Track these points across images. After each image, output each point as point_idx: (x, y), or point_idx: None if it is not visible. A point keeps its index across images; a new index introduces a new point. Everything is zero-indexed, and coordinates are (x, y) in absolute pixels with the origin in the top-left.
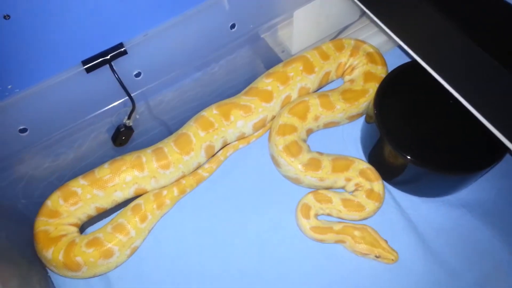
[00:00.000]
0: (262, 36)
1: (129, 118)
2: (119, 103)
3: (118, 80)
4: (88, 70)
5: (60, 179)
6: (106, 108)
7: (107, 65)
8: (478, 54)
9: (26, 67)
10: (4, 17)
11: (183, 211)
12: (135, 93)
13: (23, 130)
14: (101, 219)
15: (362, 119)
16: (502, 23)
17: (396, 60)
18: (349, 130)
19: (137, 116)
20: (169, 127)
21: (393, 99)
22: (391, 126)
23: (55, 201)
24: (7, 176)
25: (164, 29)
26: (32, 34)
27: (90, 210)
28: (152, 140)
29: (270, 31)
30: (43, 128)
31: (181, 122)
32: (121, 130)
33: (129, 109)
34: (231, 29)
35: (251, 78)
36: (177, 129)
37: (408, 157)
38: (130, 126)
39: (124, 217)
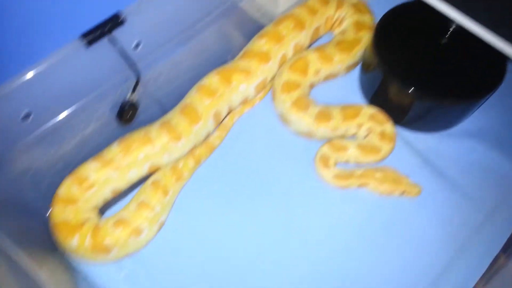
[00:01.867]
0: (240, 4)
1: (133, 92)
2: (120, 78)
3: (119, 52)
4: (90, 43)
5: (67, 166)
6: (108, 85)
7: (106, 38)
8: None
9: (21, 47)
10: None
11: (200, 181)
12: (136, 66)
13: (26, 116)
14: (118, 201)
15: (357, 69)
16: None
17: (379, 7)
18: (347, 81)
19: (141, 90)
20: (170, 100)
21: (390, 40)
22: (393, 66)
23: (68, 188)
24: (13, 169)
25: None
26: (24, 12)
27: (105, 193)
28: (156, 115)
29: None
30: (46, 112)
31: (181, 94)
32: (126, 106)
33: (131, 84)
34: None
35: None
36: (178, 102)
37: (414, 92)
38: (135, 101)
39: (145, 194)
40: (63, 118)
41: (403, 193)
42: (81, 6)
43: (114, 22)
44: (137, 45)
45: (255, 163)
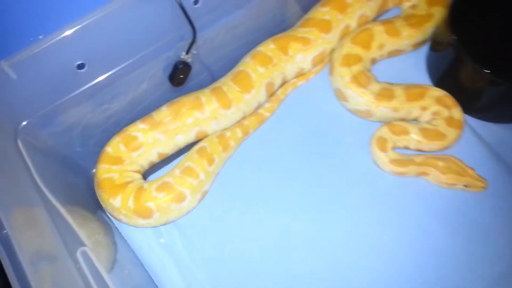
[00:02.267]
0: None
1: (187, 53)
2: (175, 36)
3: (179, 5)
4: None
5: (117, 124)
6: (163, 42)
7: None
8: None
9: None
10: None
11: (246, 154)
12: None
13: (80, 66)
14: (161, 167)
15: (425, 48)
16: None
17: None
18: (412, 59)
19: (195, 52)
20: (221, 67)
21: (467, 17)
22: (468, 45)
23: (115, 147)
24: (63, 121)
25: None
26: None
27: (152, 156)
28: (206, 82)
29: None
30: (101, 64)
31: (234, 61)
32: (179, 67)
33: (187, 43)
34: None
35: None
36: (228, 70)
37: (491, 75)
38: (188, 62)
39: (191, 160)
40: (117, 73)
41: (466, 186)
42: None
43: None
44: (196, 1)
45: (305, 140)
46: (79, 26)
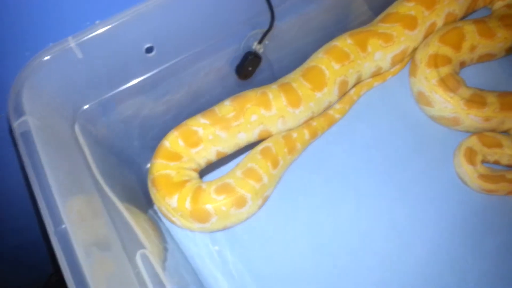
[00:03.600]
0: None
1: (260, 42)
2: (248, 25)
3: None
4: None
5: (176, 117)
6: (234, 31)
7: None
8: None
9: None
10: None
11: (312, 158)
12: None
13: (149, 49)
14: (218, 167)
15: None
16: None
17: None
18: (505, 66)
19: (267, 42)
20: (292, 61)
21: None
22: None
23: (174, 141)
24: (124, 110)
25: None
26: None
27: (210, 154)
28: (275, 76)
29: None
30: (170, 49)
31: (305, 55)
32: (249, 58)
33: (260, 32)
34: None
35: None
36: (300, 64)
37: None
38: (259, 53)
39: (254, 161)
40: (184, 61)
41: None
42: None
43: None
44: None
45: (378, 148)
46: (147, 7)
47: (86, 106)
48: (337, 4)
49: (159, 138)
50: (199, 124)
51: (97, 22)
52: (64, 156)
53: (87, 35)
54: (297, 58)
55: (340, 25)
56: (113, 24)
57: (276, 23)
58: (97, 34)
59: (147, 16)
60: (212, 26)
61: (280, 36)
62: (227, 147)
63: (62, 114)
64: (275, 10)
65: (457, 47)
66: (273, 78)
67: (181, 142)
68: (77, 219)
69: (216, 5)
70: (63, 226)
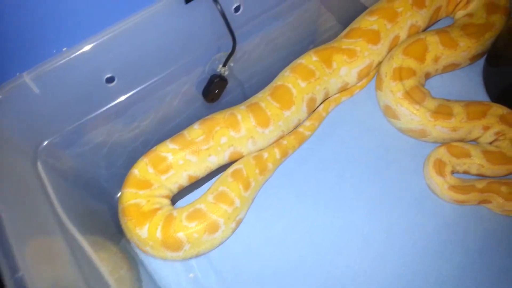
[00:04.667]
0: None
1: (224, 65)
2: (212, 48)
3: (220, 12)
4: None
5: (145, 144)
6: (198, 54)
7: None
8: None
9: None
10: None
11: (285, 177)
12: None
13: (110, 79)
14: (191, 190)
15: (481, 62)
16: None
17: None
18: (470, 74)
19: (232, 64)
20: (259, 80)
21: None
22: None
23: (143, 169)
24: (89, 140)
25: None
26: None
27: (182, 179)
28: (243, 96)
29: None
30: (131, 78)
31: (275, 73)
32: (215, 81)
33: (224, 55)
34: None
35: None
36: (269, 82)
37: None
38: (225, 76)
39: (226, 184)
40: (148, 88)
41: None
42: None
43: None
44: (237, 8)
45: (350, 162)
46: (107, 37)
47: (47, 141)
48: (303, 20)
49: (128, 166)
50: (169, 150)
51: (53, 55)
52: (24, 196)
53: (42, 69)
54: (266, 77)
55: (307, 40)
56: (70, 56)
57: (241, 44)
58: (53, 67)
59: (105, 46)
60: (175, 51)
61: (246, 56)
62: (198, 171)
63: (23, 151)
64: (239, 31)
65: (421, 58)
66: (243, 97)
67: (150, 169)
68: (37, 263)
69: (178, 30)
70: (20, 273)
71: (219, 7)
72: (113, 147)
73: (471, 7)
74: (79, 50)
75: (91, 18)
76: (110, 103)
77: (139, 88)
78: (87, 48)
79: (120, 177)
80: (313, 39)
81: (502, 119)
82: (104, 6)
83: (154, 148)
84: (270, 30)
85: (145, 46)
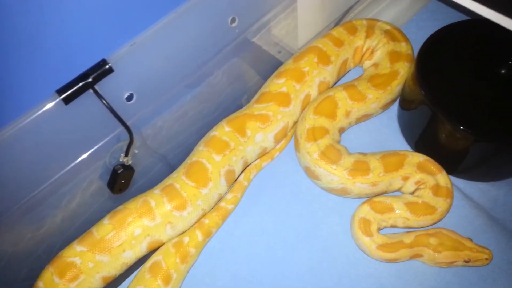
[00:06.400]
0: (252, 40)
1: (126, 155)
2: (110, 138)
3: (107, 107)
4: (67, 100)
5: (49, 251)
6: (96, 147)
7: (90, 90)
8: None
9: None
10: None
11: (212, 259)
12: (130, 121)
13: None
14: None
15: (395, 106)
16: None
17: (415, 33)
18: (384, 121)
19: (136, 151)
20: (174, 158)
21: (436, 71)
22: (443, 101)
23: (48, 279)
24: None
25: (153, 34)
26: None
27: (95, 282)
28: (157, 179)
29: (260, 33)
30: (25, 183)
31: (188, 149)
32: (119, 172)
33: (124, 144)
34: (231, 24)
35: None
36: (184, 159)
37: (474, 133)
38: (129, 164)
39: (143, 282)
40: (44, 190)
41: (467, 262)
42: (57, 56)
43: (100, 70)
44: (130, 97)
45: (277, 231)
46: None
47: None
48: (211, 91)
49: (32, 278)
50: (76, 254)
51: None
52: None
53: None
54: (181, 152)
55: (220, 108)
56: None
57: (145, 127)
58: None
59: None
60: (69, 148)
61: (154, 137)
62: (113, 270)
63: None
64: (140, 113)
65: (332, 116)
66: (162, 176)
67: (57, 279)
68: None
69: (70, 126)
70: None
71: (104, 102)
72: (12, 258)
73: (376, 57)
74: None
75: None
76: (5, 213)
77: (35, 191)
78: None
79: None
80: (236, 101)
81: (419, 167)
82: None
83: (60, 253)
84: (180, 103)
85: (29, 155)
